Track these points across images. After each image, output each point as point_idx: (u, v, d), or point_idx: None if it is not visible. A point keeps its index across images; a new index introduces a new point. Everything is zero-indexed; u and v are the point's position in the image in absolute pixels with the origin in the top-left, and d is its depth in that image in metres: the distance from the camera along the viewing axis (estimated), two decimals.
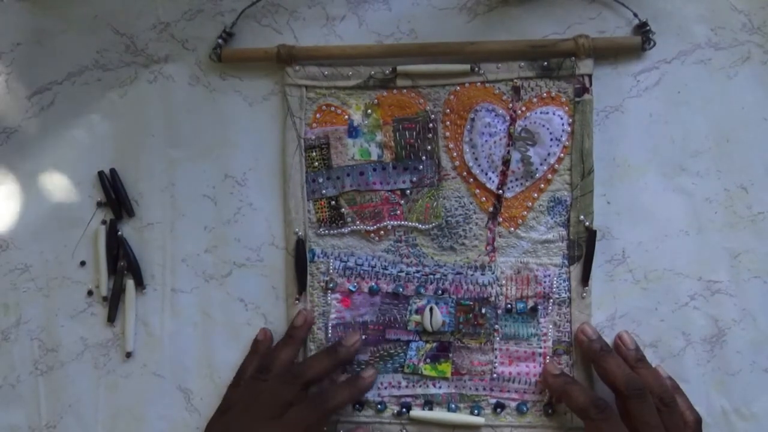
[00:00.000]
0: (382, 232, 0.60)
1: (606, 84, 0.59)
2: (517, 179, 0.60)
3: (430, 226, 0.60)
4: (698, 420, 0.55)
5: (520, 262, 0.60)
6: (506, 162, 0.59)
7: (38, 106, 0.63)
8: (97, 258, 0.62)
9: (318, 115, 0.61)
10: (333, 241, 0.61)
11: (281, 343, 0.59)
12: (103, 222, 0.63)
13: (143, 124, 0.63)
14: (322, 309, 0.61)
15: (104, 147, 0.63)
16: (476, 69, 0.59)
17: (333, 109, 0.61)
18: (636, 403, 0.52)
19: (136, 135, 0.63)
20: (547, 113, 0.59)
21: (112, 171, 0.62)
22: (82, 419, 0.62)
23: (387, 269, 0.60)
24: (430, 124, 0.60)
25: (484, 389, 0.60)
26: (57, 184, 0.63)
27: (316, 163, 0.61)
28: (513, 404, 0.59)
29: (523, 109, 0.59)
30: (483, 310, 0.59)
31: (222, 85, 0.62)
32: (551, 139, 0.59)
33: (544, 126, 0.59)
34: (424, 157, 0.60)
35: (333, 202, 0.61)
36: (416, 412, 0.59)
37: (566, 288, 0.59)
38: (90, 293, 0.63)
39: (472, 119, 0.60)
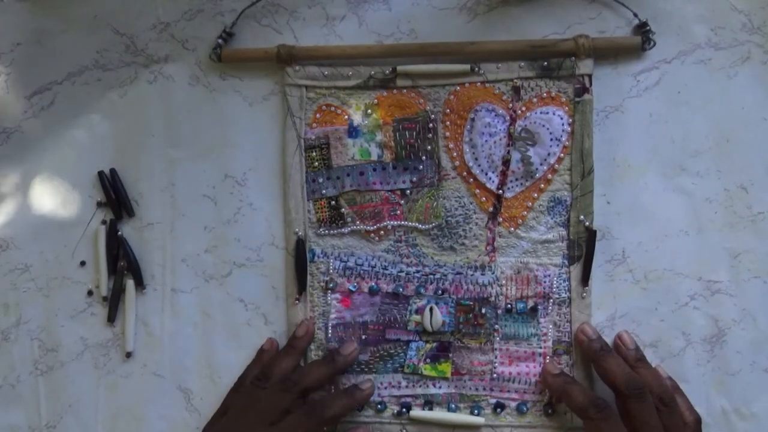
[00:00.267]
0: (382, 232, 0.60)
1: (606, 84, 0.59)
2: (517, 179, 0.60)
3: (430, 226, 0.60)
4: (698, 420, 0.55)
5: (520, 262, 0.60)
6: (506, 162, 0.59)
7: (38, 106, 0.63)
8: (97, 258, 0.62)
9: (318, 115, 0.61)
10: (333, 241, 0.61)
11: (282, 352, 0.59)
12: (103, 222, 0.63)
13: (143, 124, 0.63)
14: (322, 309, 0.61)
15: (104, 147, 0.63)
16: (476, 69, 0.59)
17: (333, 109, 0.61)
18: (636, 403, 0.52)
19: (136, 135, 0.63)
20: (547, 113, 0.59)
21: (112, 171, 0.62)
22: (82, 419, 0.62)
23: (387, 269, 0.60)
24: (430, 124, 0.60)
25: (484, 389, 0.60)
26: (57, 184, 0.63)
27: (316, 163, 0.61)
28: (513, 404, 0.59)
29: (523, 109, 0.59)
30: (483, 310, 0.59)
31: (222, 85, 0.62)
32: (551, 139, 0.59)
33: (544, 126, 0.59)
34: (424, 157, 0.60)
35: (333, 202, 0.61)
36: (416, 412, 0.59)
37: (566, 288, 0.59)
38: (90, 293, 0.63)
39: (472, 119, 0.60)
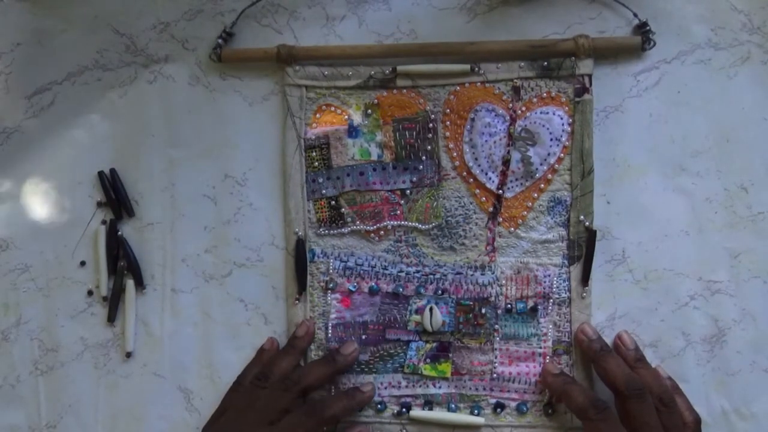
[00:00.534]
0: (382, 232, 0.60)
1: (606, 84, 0.59)
2: (517, 179, 0.60)
3: (430, 226, 0.60)
4: (697, 420, 0.55)
5: (520, 262, 0.60)
6: (506, 162, 0.59)
7: (38, 106, 0.63)
8: (97, 258, 0.62)
9: (318, 115, 0.61)
10: (333, 241, 0.61)
11: (282, 352, 0.59)
12: (103, 222, 0.63)
13: (143, 124, 0.63)
14: (322, 309, 0.61)
15: (104, 147, 0.63)
16: (476, 69, 0.59)
17: (333, 109, 0.61)
18: (635, 404, 0.52)
19: (136, 135, 0.63)
20: (547, 113, 0.59)
21: (112, 171, 0.62)
22: (82, 419, 0.62)
23: (387, 269, 0.60)
24: (430, 124, 0.60)
25: (484, 389, 0.60)
26: (57, 184, 0.63)
27: (316, 163, 0.61)
28: (513, 404, 0.59)
29: (523, 109, 0.59)
30: (483, 310, 0.59)
31: (222, 85, 0.62)
32: (551, 139, 0.59)
33: (544, 126, 0.59)
34: (424, 157, 0.60)
35: (333, 202, 0.61)
36: (416, 412, 0.59)
37: (566, 288, 0.59)
38: (90, 293, 0.63)
39: (472, 119, 0.60)
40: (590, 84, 0.59)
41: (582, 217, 0.59)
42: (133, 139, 0.63)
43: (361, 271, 0.61)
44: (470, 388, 0.60)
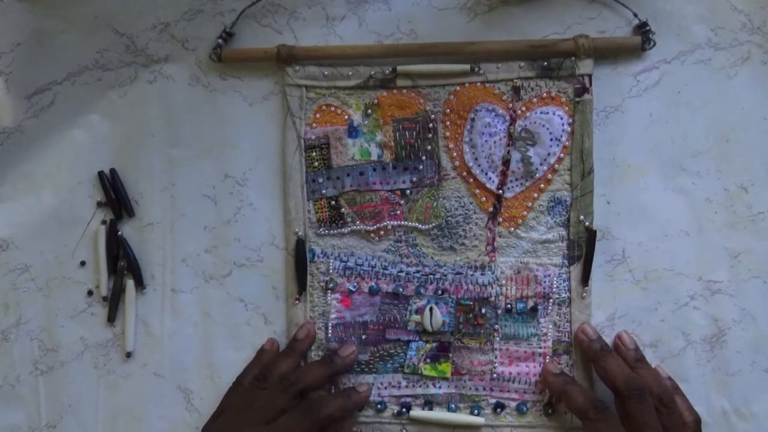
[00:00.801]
0: (382, 232, 0.60)
1: (606, 84, 0.59)
2: (517, 179, 0.60)
3: (430, 226, 0.60)
4: (697, 420, 0.55)
5: (520, 262, 0.60)
6: (506, 162, 0.59)
7: (38, 106, 0.63)
8: (97, 258, 0.62)
9: (318, 115, 0.61)
10: (333, 241, 0.61)
11: (282, 354, 0.59)
12: (103, 222, 0.63)
13: (143, 124, 0.63)
14: (322, 309, 0.61)
15: (104, 147, 0.63)
16: (476, 69, 0.59)
17: (333, 109, 0.61)
18: (635, 404, 0.52)
19: (136, 135, 0.63)
20: (547, 113, 0.59)
21: (112, 171, 0.62)
22: (82, 419, 0.62)
23: (387, 269, 0.60)
24: (430, 124, 0.60)
25: (484, 389, 0.60)
26: (57, 184, 0.63)
27: (316, 163, 0.61)
28: (513, 404, 0.59)
29: (523, 109, 0.59)
30: (483, 310, 0.59)
31: (222, 85, 0.62)
32: (551, 139, 0.59)
33: (544, 126, 0.59)
34: (424, 157, 0.60)
35: (333, 202, 0.61)
36: (416, 412, 0.59)
37: (566, 288, 0.59)
38: (90, 293, 0.63)
39: (472, 119, 0.60)
40: (590, 84, 0.59)
41: (582, 217, 0.59)
42: (133, 139, 0.63)
43: (361, 271, 0.61)
44: (470, 388, 0.60)
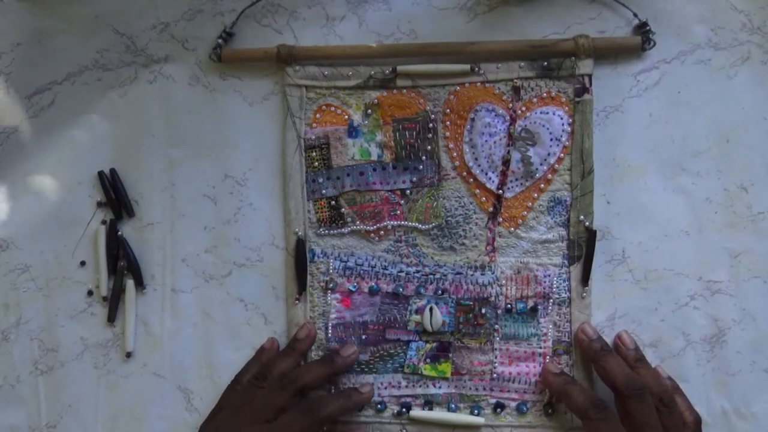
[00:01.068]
0: (382, 232, 0.60)
1: (606, 84, 0.59)
2: (517, 179, 0.60)
3: (430, 226, 0.60)
4: (697, 420, 0.55)
5: (520, 262, 0.60)
6: (506, 162, 0.60)
7: (38, 106, 0.63)
8: (97, 258, 0.62)
9: (318, 115, 0.61)
10: (333, 241, 0.61)
11: (282, 353, 0.59)
12: (103, 222, 0.63)
13: (143, 124, 0.63)
14: (322, 309, 0.61)
15: (104, 147, 0.63)
16: (476, 69, 0.59)
17: (333, 109, 0.61)
18: (635, 404, 0.52)
19: (136, 135, 0.63)
20: (547, 113, 0.59)
21: (112, 171, 0.62)
22: (82, 419, 0.62)
23: (387, 269, 0.60)
24: (430, 124, 0.60)
25: (484, 389, 0.60)
26: (57, 184, 0.63)
27: (316, 163, 0.61)
28: (513, 404, 0.59)
29: (523, 109, 0.59)
30: (483, 310, 0.59)
31: (222, 85, 0.62)
32: (551, 139, 0.59)
33: (544, 126, 0.59)
34: (424, 157, 0.60)
35: (333, 202, 0.61)
36: (416, 412, 0.59)
37: (566, 288, 0.59)
38: (90, 293, 0.63)
39: (472, 119, 0.60)
40: (590, 84, 0.59)
41: (582, 217, 0.59)
42: (133, 139, 0.63)
43: (361, 271, 0.61)
44: (470, 388, 0.60)
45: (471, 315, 0.60)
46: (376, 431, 0.60)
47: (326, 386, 0.59)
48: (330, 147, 0.61)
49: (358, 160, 0.61)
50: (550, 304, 0.59)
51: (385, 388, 0.60)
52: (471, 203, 0.60)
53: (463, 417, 0.59)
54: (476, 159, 0.60)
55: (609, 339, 0.58)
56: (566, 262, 0.59)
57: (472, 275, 0.60)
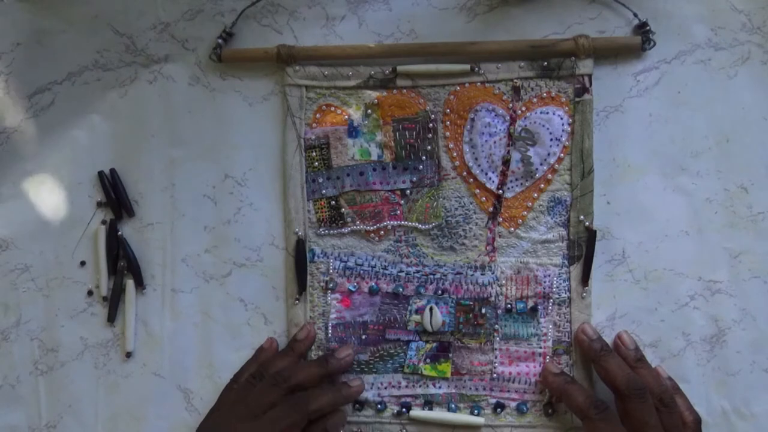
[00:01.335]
0: (382, 232, 0.60)
1: (606, 84, 0.59)
2: (517, 179, 0.60)
3: (430, 226, 0.60)
4: (697, 420, 0.55)
5: (520, 262, 0.60)
6: (506, 162, 0.60)
7: (38, 106, 0.63)
8: (97, 258, 0.62)
9: (318, 115, 0.61)
10: (333, 241, 0.61)
11: (281, 353, 0.59)
12: (103, 222, 0.63)
13: (143, 124, 0.63)
14: (322, 309, 0.61)
15: (104, 147, 0.63)
16: (476, 69, 0.59)
17: (333, 109, 0.61)
18: (636, 404, 0.52)
19: (136, 135, 0.63)
20: (547, 113, 0.59)
21: (112, 171, 0.62)
22: (82, 419, 0.62)
23: (387, 269, 0.60)
24: (430, 124, 0.60)
25: (484, 389, 0.60)
26: (57, 184, 0.63)
27: (316, 163, 0.61)
28: (513, 404, 0.59)
29: (523, 109, 0.59)
30: (483, 310, 0.59)
31: (222, 85, 0.62)
32: (551, 139, 0.59)
33: (544, 126, 0.59)
34: (424, 157, 0.60)
35: (333, 202, 0.61)
36: (416, 412, 0.59)
37: (566, 288, 0.59)
38: (90, 293, 0.63)
39: (472, 119, 0.60)
40: (590, 84, 0.59)
41: (582, 217, 0.59)
42: (133, 139, 0.63)
43: (361, 271, 0.61)
44: (470, 388, 0.60)
45: (471, 315, 0.60)
46: (376, 431, 0.60)
47: (322, 387, 0.59)
48: (330, 147, 0.61)
49: (358, 160, 0.61)
50: (550, 304, 0.59)
51: (385, 388, 0.60)
52: (471, 203, 0.60)
53: (463, 417, 0.59)
54: (476, 159, 0.60)
55: (609, 339, 0.58)
56: (566, 262, 0.59)
57: (472, 275, 0.60)
